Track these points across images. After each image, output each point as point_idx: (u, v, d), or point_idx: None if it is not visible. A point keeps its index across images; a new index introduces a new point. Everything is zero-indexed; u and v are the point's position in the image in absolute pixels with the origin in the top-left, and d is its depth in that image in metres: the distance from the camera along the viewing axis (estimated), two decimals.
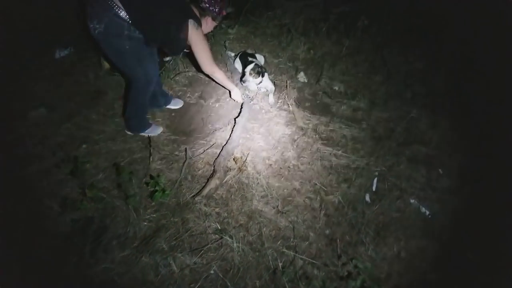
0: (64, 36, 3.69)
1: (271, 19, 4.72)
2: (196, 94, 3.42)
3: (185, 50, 2.57)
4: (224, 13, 2.59)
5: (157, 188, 2.27)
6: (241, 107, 3.13)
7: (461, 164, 3.01)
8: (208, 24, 2.58)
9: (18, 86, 3.19)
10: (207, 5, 2.46)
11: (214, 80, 2.91)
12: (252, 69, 3.17)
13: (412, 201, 2.68)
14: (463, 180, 2.88)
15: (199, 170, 2.67)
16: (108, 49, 2.30)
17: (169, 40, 2.38)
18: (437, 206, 2.68)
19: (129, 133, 2.88)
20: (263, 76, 3.27)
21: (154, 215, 2.33)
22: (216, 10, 2.50)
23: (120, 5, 2.12)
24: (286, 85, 3.53)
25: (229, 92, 3.14)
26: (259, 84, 3.30)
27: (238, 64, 3.64)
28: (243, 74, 3.24)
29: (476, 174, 2.93)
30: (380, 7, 4.53)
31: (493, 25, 3.76)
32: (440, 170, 2.94)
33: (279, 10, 4.74)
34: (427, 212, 2.62)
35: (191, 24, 2.33)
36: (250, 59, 3.47)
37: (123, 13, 2.13)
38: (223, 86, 3.02)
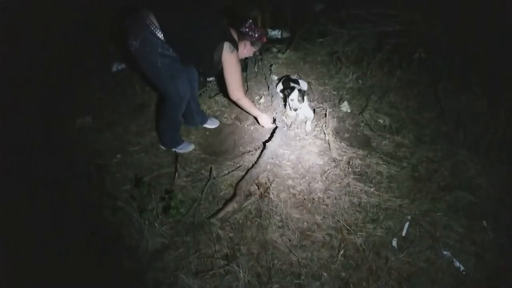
0: (123, 50, 3.97)
1: (323, 46, 4.69)
2: (233, 115, 3.46)
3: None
4: (265, 40, 2.61)
5: (172, 204, 2.28)
6: (273, 132, 3.09)
7: (510, 219, 2.66)
8: (247, 49, 2.61)
9: (73, 93, 3.47)
10: (247, 30, 2.49)
11: (239, 107, 2.94)
12: (298, 96, 3.15)
13: (445, 252, 2.40)
14: (510, 237, 2.53)
15: (221, 191, 2.66)
16: (143, 65, 2.42)
17: (203, 61, 2.44)
18: (474, 262, 2.36)
19: (162, 147, 2.97)
20: (303, 100, 3.22)
21: (168, 232, 2.34)
22: (256, 36, 2.52)
23: (157, 24, 2.24)
24: (326, 114, 3.42)
25: (256, 119, 3.13)
26: (297, 110, 3.25)
27: (279, 88, 3.63)
28: (285, 103, 3.21)
29: None
30: (440, 41, 4.27)
31: None
32: (484, 222, 2.61)
33: (331, 37, 4.68)
34: (461, 268, 2.33)
35: (226, 46, 2.38)
36: (292, 84, 3.44)
37: (159, 33, 2.24)
38: (249, 113, 3.04)
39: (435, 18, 4.18)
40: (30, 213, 2.36)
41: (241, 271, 2.13)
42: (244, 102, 2.83)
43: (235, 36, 2.49)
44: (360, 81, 4.09)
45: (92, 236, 2.27)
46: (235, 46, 2.45)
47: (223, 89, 3.66)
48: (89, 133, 3.07)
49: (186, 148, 2.99)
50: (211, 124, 3.30)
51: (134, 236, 2.31)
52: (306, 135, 3.22)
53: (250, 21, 2.49)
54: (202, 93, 3.56)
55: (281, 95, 3.49)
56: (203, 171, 2.82)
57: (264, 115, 3.08)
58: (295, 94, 3.14)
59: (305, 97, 3.25)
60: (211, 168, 2.77)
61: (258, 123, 3.16)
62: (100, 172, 2.55)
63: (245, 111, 2.99)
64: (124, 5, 3.90)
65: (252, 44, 2.58)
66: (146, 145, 3.04)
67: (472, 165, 3.04)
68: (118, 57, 4.10)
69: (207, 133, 3.26)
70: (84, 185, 2.57)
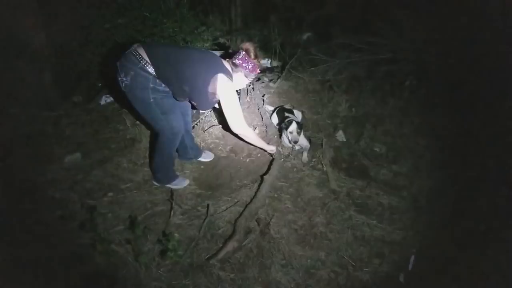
0: (112, 83, 3.91)
1: (314, 75, 4.72)
2: (228, 147, 3.38)
3: (215, 106, 2.57)
4: (258, 71, 2.57)
5: (169, 247, 2.16)
6: (271, 164, 3.02)
7: None
8: (240, 81, 2.57)
9: (62, 130, 3.36)
10: (240, 62, 2.46)
11: (244, 140, 2.82)
12: (297, 128, 3.12)
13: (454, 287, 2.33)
14: None
15: (219, 229, 2.54)
16: (134, 101, 2.36)
17: (196, 95, 2.38)
18: None
19: (156, 184, 2.86)
20: (300, 129, 3.18)
21: (166, 275, 2.19)
22: (249, 67, 2.48)
23: (147, 59, 2.20)
24: (322, 144, 3.38)
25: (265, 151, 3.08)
26: (297, 142, 3.21)
27: (274, 119, 3.59)
28: (281, 134, 3.17)
29: None
30: (430, 68, 4.34)
31: None
32: (490, 252, 2.55)
33: (322, 66, 4.71)
34: None
35: (220, 77, 2.33)
36: (286, 114, 3.41)
37: (149, 68, 2.20)
38: (256, 146, 2.96)
39: (424, 46, 4.25)
40: (17, 264, 2.19)
41: None
42: (249, 134, 2.70)
43: (228, 68, 2.46)
44: (353, 109, 4.10)
45: (86, 285, 2.11)
46: (230, 77, 2.41)
47: (218, 120, 3.63)
48: (79, 171, 2.94)
49: (180, 183, 2.88)
50: (206, 158, 3.21)
51: (130, 281, 2.15)
52: (304, 166, 3.16)
53: (243, 52, 2.46)
54: (195, 126, 3.49)
55: (277, 126, 3.46)
56: (199, 208, 2.71)
57: (270, 146, 3.03)
58: (293, 127, 3.11)
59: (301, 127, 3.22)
60: (208, 205, 2.66)
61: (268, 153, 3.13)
62: (93, 214, 2.41)
63: (251, 144, 2.88)
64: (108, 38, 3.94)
65: (246, 75, 2.55)
66: (139, 182, 2.92)
67: (472, 194, 3.01)
68: (106, 90, 4.02)
69: (202, 167, 3.16)
70: (75, 228, 2.42)
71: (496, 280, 2.39)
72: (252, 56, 2.48)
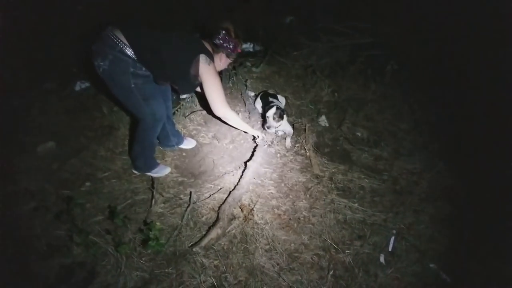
0: (87, 68, 3.77)
1: (297, 59, 4.68)
2: (211, 134, 3.33)
3: (196, 89, 2.50)
4: (239, 50, 2.51)
5: (150, 236, 2.13)
6: (254, 150, 3.00)
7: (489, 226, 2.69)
8: (222, 61, 2.51)
9: (33, 118, 3.24)
10: (221, 42, 2.39)
11: (226, 123, 2.74)
12: (274, 114, 3.05)
13: (431, 265, 2.39)
14: (491, 245, 2.54)
15: (202, 216, 2.52)
16: (113, 87, 2.26)
17: (178, 77, 2.31)
18: (460, 272, 2.36)
19: (136, 172, 2.81)
20: (282, 118, 3.15)
21: (148, 264, 2.17)
22: (231, 47, 2.43)
23: (126, 42, 2.10)
24: (305, 129, 3.37)
25: (253, 136, 3.04)
26: (277, 127, 3.18)
27: (258, 104, 3.55)
28: (265, 120, 3.12)
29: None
30: (411, 52, 4.36)
31: None
32: (466, 231, 2.62)
33: (305, 51, 4.68)
34: (448, 279, 2.31)
35: (202, 59, 2.26)
36: (271, 99, 3.38)
37: (128, 50, 2.10)
38: (239, 129, 2.89)
39: (406, 31, 4.26)
40: None
41: None
42: (232, 117, 2.60)
43: (209, 49, 2.39)
44: (336, 94, 4.09)
45: (65, 277, 2.07)
46: (211, 58, 2.35)
47: (200, 105, 3.56)
48: (54, 161, 2.85)
49: (161, 171, 2.83)
50: (188, 145, 3.15)
51: (110, 272, 2.11)
52: (287, 151, 3.16)
53: (224, 32, 2.40)
54: (176, 112, 3.41)
55: (261, 110, 3.42)
56: (182, 196, 2.68)
57: (255, 130, 2.97)
58: (271, 112, 3.07)
59: (283, 113, 3.19)
60: (190, 193, 2.63)
61: (254, 141, 3.09)
62: (69, 205, 2.34)
63: (233, 127, 2.79)
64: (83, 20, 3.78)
65: (227, 55, 2.49)
66: (118, 170, 2.85)
67: (450, 176, 3.08)
68: (81, 75, 3.88)
69: (184, 154, 3.11)
70: (51, 219, 2.36)
71: (473, 256, 2.47)
72: (233, 35, 2.42)
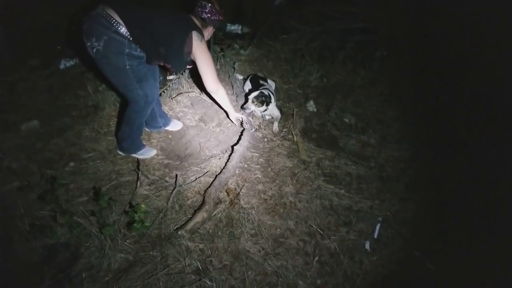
0: (72, 46, 3.65)
1: (286, 43, 4.62)
2: (197, 116, 3.28)
3: (188, 66, 2.45)
4: (222, 18, 2.48)
5: (135, 218, 2.09)
6: (241, 134, 2.96)
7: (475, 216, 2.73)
8: (209, 33, 2.50)
9: (17, 96, 3.13)
10: (209, 15, 2.37)
11: (214, 100, 2.74)
12: (255, 97, 3.02)
13: (416, 253, 2.42)
14: (476, 235, 2.59)
15: (188, 199, 2.49)
16: (107, 69, 2.18)
17: (172, 55, 2.25)
18: (445, 261, 2.41)
19: (121, 153, 2.75)
20: (267, 105, 3.11)
21: (132, 246, 2.14)
22: (217, 18, 2.41)
23: (120, 21, 2.01)
24: (293, 114, 3.35)
25: (226, 113, 3.00)
26: (263, 111, 3.15)
27: (247, 87, 3.50)
28: (246, 100, 3.08)
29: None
30: (401, 40, 4.34)
31: None
32: (451, 220, 2.67)
33: (295, 34, 4.61)
34: (432, 268, 2.36)
35: (195, 36, 2.22)
36: (261, 82, 3.33)
37: (123, 30, 2.02)
38: (221, 108, 2.89)
39: (396, 17, 4.23)
40: None
41: (214, 285, 2.00)
42: (222, 94, 2.62)
43: (198, 24, 2.33)
44: (324, 79, 4.08)
45: (48, 258, 2.02)
46: (202, 34, 2.30)
47: (186, 87, 3.49)
48: (37, 140, 2.76)
49: (147, 153, 2.78)
50: (174, 127, 3.09)
51: (94, 254, 2.08)
52: (274, 136, 3.14)
53: (210, 5, 2.35)
54: (163, 93, 3.34)
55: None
56: (167, 178, 2.64)
57: (235, 112, 2.94)
58: (253, 94, 3.06)
59: (272, 97, 3.16)
60: (176, 175, 2.59)
61: (228, 118, 3.05)
62: (53, 185, 2.28)
63: (218, 104, 2.77)
64: None
65: (214, 26, 2.48)
66: (102, 151, 2.79)
67: (435, 164, 3.11)
68: (66, 53, 3.75)
69: (170, 136, 3.05)
70: (34, 200, 2.29)
71: (457, 243, 2.51)
72: (217, 7, 2.40)
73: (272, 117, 3.27)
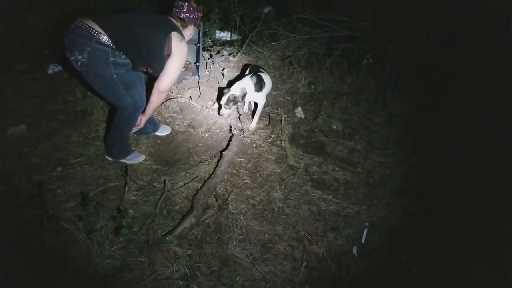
0: (61, 51, 3.62)
1: (275, 50, 4.66)
2: (186, 122, 3.29)
3: None
4: (201, 14, 2.49)
5: (123, 223, 2.08)
6: (230, 139, 2.98)
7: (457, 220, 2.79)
8: (190, 31, 2.50)
9: (4, 100, 3.10)
10: (187, 14, 2.37)
11: (152, 101, 2.52)
12: (226, 104, 3.00)
13: (403, 258, 2.46)
14: (459, 239, 2.64)
15: (176, 205, 2.49)
16: (94, 80, 2.18)
17: (154, 58, 2.25)
18: (431, 266, 2.44)
19: (109, 158, 2.73)
20: (261, 88, 3.12)
21: (120, 252, 2.13)
22: (196, 16, 2.41)
23: (100, 30, 2.02)
24: (281, 120, 3.38)
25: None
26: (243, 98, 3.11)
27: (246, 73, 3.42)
28: (228, 87, 3.05)
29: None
30: (387, 47, 4.42)
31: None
32: (437, 225, 2.71)
33: (283, 41, 4.66)
34: (419, 272, 2.39)
35: (174, 36, 2.22)
36: (260, 73, 3.26)
37: (105, 38, 2.02)
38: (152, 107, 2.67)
39: (383, 25, 4.32)
40: None
41: None
42: (163, 98, 2.58)
43: (178, 24, 2.34)
44: (312, 86, 4.12)
45: (34, 264, 1.99)
46: (182, 35, 2.31)
47: (179, 91, 3.50)
48: (24, 145, 2.73)
49: (136, 158, 2.77)
50: (163, 132, 3.09)
51: (81, 260, 2.06)
52: (253, 133, 3.20)
53: (186, 4, 2.36)
54: None
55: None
56: (155, 184, 2.63)
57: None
58: (233, 88, 3.01)
59: (265, 83, 3.18)
60: (165, 181, 2.59)
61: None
62: (40, 190, 2.26)
63: (152, 106, 2.57)
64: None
65: (195, 24, 2.47)
66: (90, 156, 2.77)
67: (421, 169, 3.17)
68: (54, 58, 3.73)
69: (159, 141, 3.05)
70: (20, 204, 2.26)
71: (443, 248, 2.55)
72: (195, 5, 2.40)
73: (256, 106, 3.28)
